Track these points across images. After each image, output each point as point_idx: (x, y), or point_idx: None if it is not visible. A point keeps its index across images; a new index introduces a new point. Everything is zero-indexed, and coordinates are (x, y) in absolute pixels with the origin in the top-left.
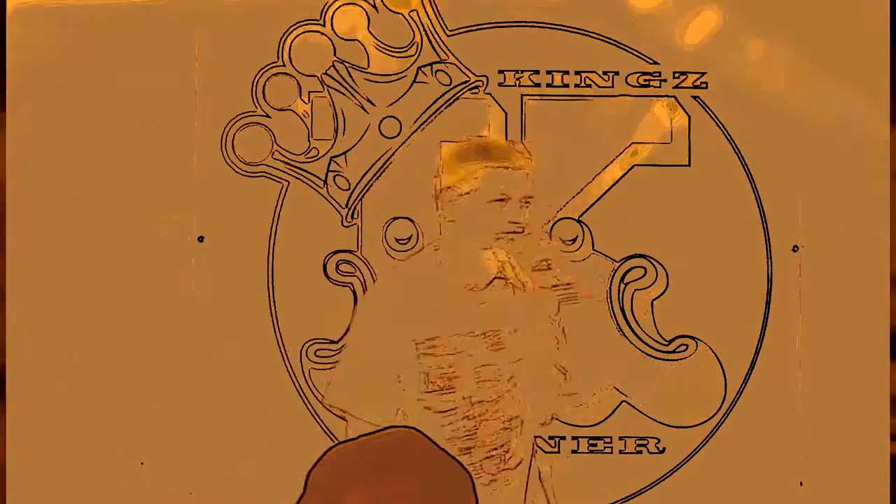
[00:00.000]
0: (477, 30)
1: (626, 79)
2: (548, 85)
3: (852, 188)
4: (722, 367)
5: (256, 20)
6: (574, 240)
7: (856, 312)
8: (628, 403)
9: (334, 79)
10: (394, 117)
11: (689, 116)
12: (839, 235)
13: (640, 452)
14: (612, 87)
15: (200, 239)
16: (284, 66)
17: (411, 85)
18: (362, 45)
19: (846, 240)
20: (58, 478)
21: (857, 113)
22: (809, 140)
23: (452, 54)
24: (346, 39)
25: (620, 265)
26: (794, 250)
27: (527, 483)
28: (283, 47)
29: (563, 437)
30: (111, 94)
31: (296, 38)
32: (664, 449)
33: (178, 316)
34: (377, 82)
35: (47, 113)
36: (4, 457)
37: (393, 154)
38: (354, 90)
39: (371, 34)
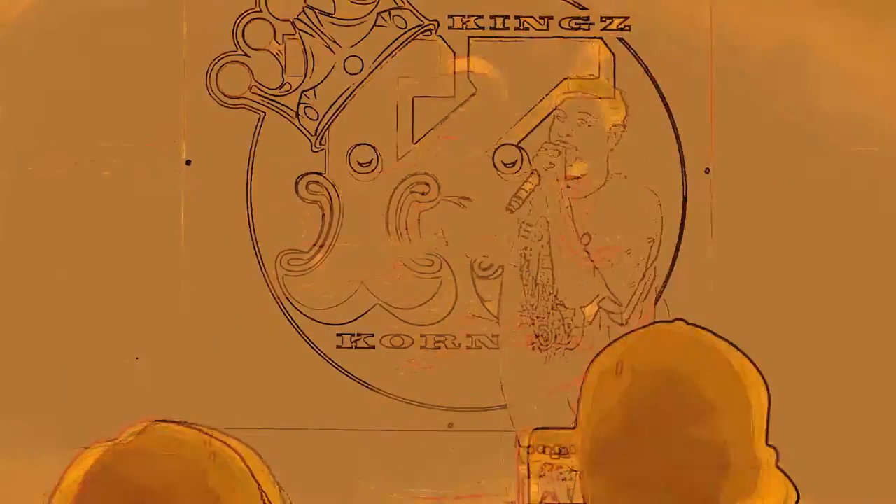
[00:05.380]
0: None
1: (560, 22)
2: (491, 28)
3: (759, 117)
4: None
5: None
6: (514, 163)
7: (759, 225)
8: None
9: (305, 23)
10: (356, 56)
11: (614, 55)
12: (745, 159)
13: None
14: (547, 29)
15: (188, 162)
16: (261, 11)
17: (372, 28)
18: None
19: (751, 163)
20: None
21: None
22: (719, 74)
23: (408, 1)
24: None
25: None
26: (706, 172)
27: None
28: None
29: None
30: (105, 39)
31: None
32: (592, 345)
33: (168, 229)
34: (342, 26)
35: (42, 53)
36: None
37: (356, 89)
38: (322, 33)
39: None
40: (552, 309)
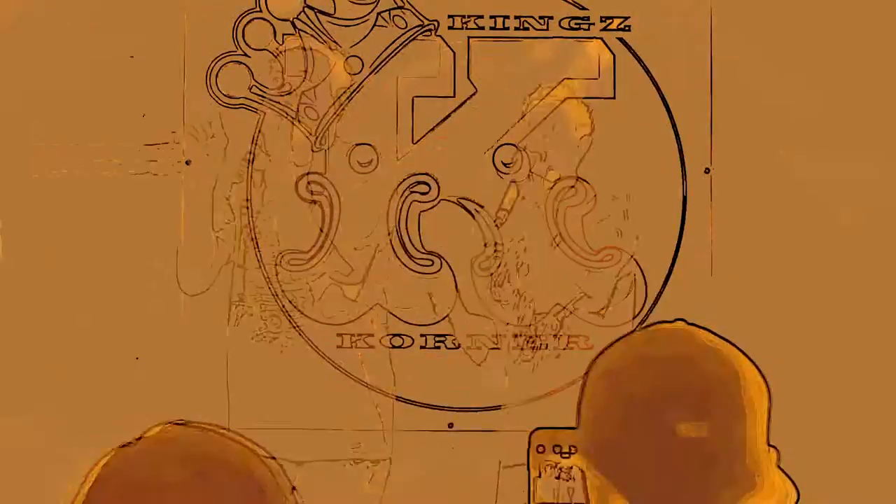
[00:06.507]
0: None
1: (560, 22)
2: (491, 28)
3: (759, 117)
4: (643, 274)
5: None
6: (514, 163)
7: (758, 225)
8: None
9: (304, 23)
10: (356, 56)
11: (614, 55)
12: (744, 159)
13: (572, 348)
14: (547, 29)
15: (188, 162)
16: (261, 11)
17: (372, 28)
18: None
19: (750, 163)
20: (43, 377)
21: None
22: (718, 74)
23: (408, 1)
24: None
25: (555, 185)
26: (706, 172)
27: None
28: None
29: (503, 335)
30: (105, 39)
31: None
32: (593, 346)
33: (168, 229)
34: (342, 26)
35: (42, 53)
36: None
37: (356, 89)
38: (322, 33)
39: None
40: (534, 312)
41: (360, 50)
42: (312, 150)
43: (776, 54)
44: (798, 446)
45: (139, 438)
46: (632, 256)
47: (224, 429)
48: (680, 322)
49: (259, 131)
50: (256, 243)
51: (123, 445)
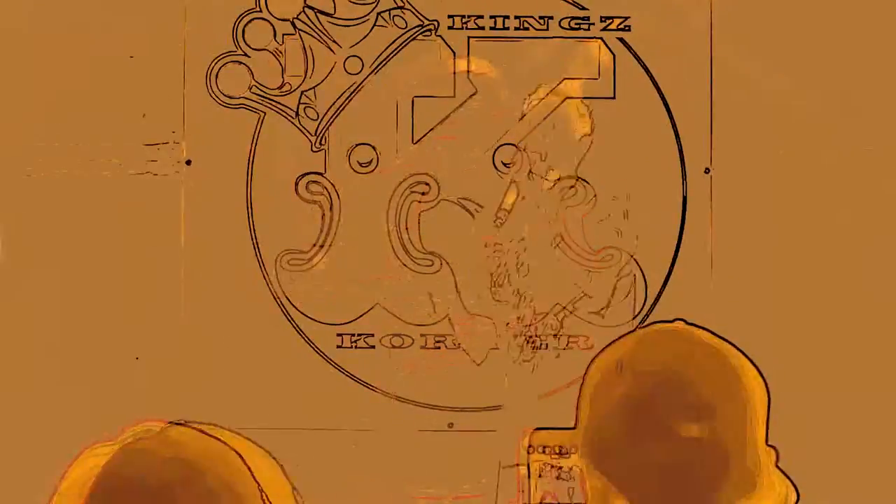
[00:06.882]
0: None
1: (560, 22)
2: (491, 28)
3: (759, 117)
4: (643, 274)
5: None
6: (514, 163)
7: (758, 225)
8: (561, 305)
9: (305, 23)
10: (356, 56)
11: (614, 55)
12: (744, 159)
13: (572, 348)
14: (547, 29)
15: (188, 162)
16: (261, 11)
17: (372, 28)
18: None
19: (750, 163)
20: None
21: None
22: (718, 75)
23: (408, 1)
24: None
25: (554, 184)
26: (706, 172)
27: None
28: None
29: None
30: (105, 39)
31: None
32: (593, 345)
33: (168, 229)
34: (342, 26)
35: (42, 53)
36: None
37: (356, 89)
38: (322, 33)
39: None
40: (534, 312)
41: (360, 50)
42: (312, 150)
43: (776, 54)
44: (798, 446)
45: (127, 436)
46: (632, 256)
47: (223, 427)
48: (680, 322)
49: (259, 131)
50: (256, 243)
51: (110, 441)
